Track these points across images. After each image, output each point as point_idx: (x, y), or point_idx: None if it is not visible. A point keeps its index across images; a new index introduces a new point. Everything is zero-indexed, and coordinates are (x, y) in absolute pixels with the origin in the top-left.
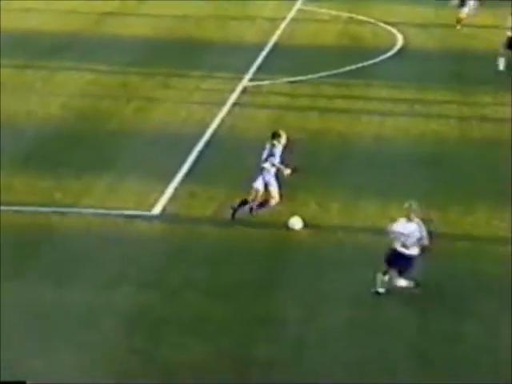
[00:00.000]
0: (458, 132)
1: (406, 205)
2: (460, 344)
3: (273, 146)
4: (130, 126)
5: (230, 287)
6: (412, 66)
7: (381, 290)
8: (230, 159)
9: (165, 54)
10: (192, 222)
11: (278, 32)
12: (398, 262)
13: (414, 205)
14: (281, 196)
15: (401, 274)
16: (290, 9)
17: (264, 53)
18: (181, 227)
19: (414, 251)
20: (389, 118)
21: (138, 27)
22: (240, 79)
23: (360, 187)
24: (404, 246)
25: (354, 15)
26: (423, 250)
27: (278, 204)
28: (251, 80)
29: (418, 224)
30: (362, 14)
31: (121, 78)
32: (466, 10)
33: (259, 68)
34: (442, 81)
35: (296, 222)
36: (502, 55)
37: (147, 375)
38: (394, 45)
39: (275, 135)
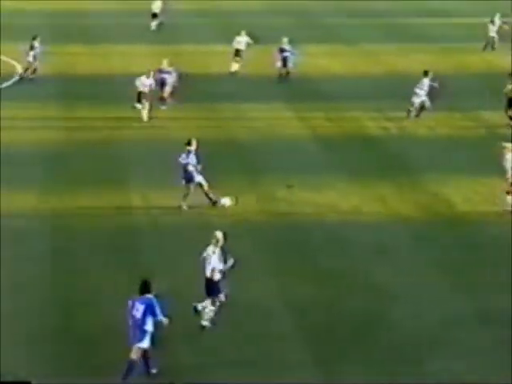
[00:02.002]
0: (66, 136)
1: (214, 240)
2: None
3: (188, 151)
4: None
5: None
6: (30, 88)
7: (205, 323)
8: None
9: None
10: None
11: None
12: (211, 288)
13: (220, 235)
14: None
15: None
16: None
17: None
18: None
19: (217, 276)
20: (18, 129)
21: None
22: None
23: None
24: (212, 272)
25: None
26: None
27: None
28: None
29: (221, 251)
30: None
31: None
32: None
33: None
34: (52, 99)
35: (227, 200)
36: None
37: None
38: (14, 72)
39: (189, 143)
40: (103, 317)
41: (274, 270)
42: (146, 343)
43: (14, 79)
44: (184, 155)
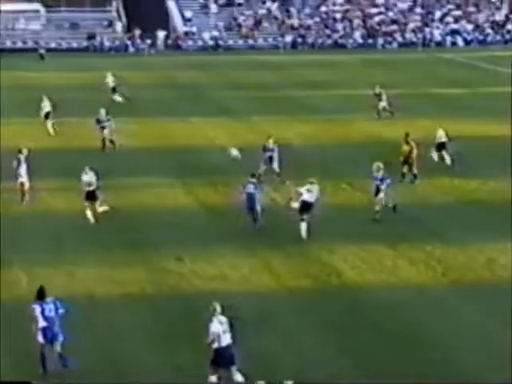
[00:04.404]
0: None
1: (216, 311)
2: None
3: (254, 183)
4: None
5: None
6: None
7: None
8: None
9: None
10: None
11: None
12: (234, 355)
13: (218, 305)
14: None
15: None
16: None
17: None
18: None
19: (227, 340)
20: None
21: None
22: None
23: None
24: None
25: None
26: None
27: None
28: None
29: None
30: None
31: None
32: None
33: None
34: None
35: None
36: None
37: None
38: None
39: (253, 175)
40: None
41: (162, 339)
42: (61, 337)
43: None
44: (252, 186)
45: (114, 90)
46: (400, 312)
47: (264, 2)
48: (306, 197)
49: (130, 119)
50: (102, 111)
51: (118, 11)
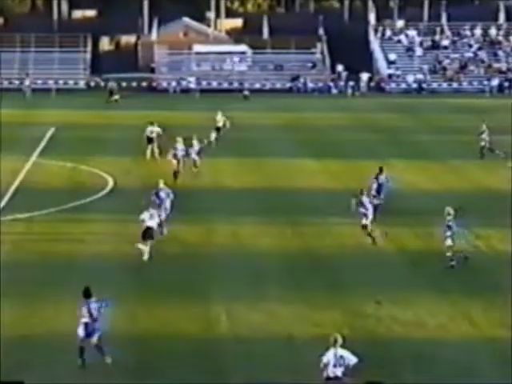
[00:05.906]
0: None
1: (337, 342)
2: None
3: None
4: None
5: None
6: (121, 201)
7: None
8: None
9: None
10: None
11: (20, 177)
12: None
13: (339, 337)
14: None
15: None
16: (27, 160)
17: (8, 194)
18: None
19: (337, 373)
20: (102, 243)
21: None
22: None
23: None
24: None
25: (74, 165)
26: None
27: None
28: None
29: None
30: (80, 164)
31: None
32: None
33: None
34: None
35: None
36: None
37: None
38: (106, 185)
39: (381, 170)
40: None
41: None
42: (99, 331)
43: (103, 192)
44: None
45: (218, 129)
46: None
47: (470, 46)
48: None
49: (331, 160)
50: (195, 137)
51: (322, 53)
